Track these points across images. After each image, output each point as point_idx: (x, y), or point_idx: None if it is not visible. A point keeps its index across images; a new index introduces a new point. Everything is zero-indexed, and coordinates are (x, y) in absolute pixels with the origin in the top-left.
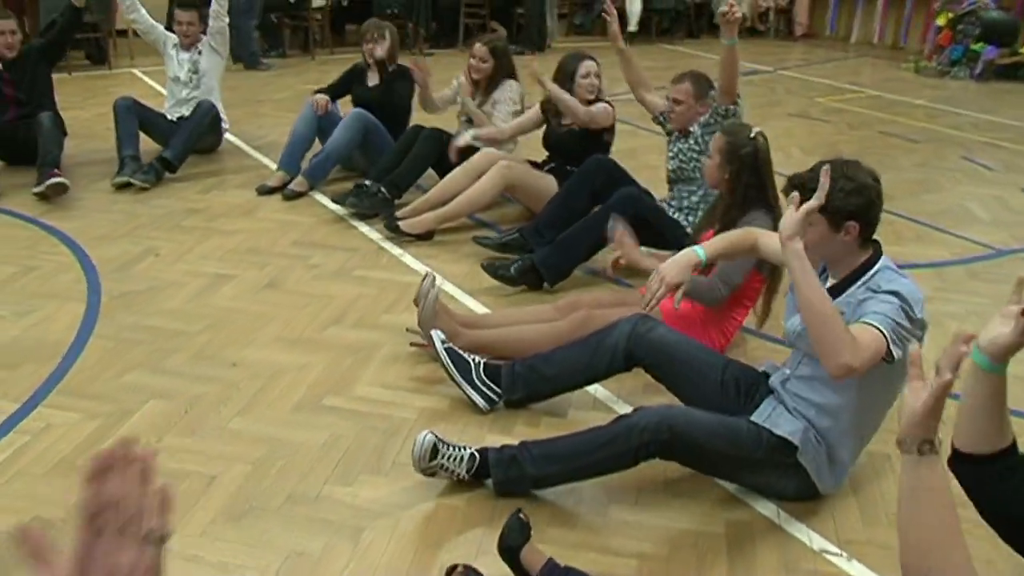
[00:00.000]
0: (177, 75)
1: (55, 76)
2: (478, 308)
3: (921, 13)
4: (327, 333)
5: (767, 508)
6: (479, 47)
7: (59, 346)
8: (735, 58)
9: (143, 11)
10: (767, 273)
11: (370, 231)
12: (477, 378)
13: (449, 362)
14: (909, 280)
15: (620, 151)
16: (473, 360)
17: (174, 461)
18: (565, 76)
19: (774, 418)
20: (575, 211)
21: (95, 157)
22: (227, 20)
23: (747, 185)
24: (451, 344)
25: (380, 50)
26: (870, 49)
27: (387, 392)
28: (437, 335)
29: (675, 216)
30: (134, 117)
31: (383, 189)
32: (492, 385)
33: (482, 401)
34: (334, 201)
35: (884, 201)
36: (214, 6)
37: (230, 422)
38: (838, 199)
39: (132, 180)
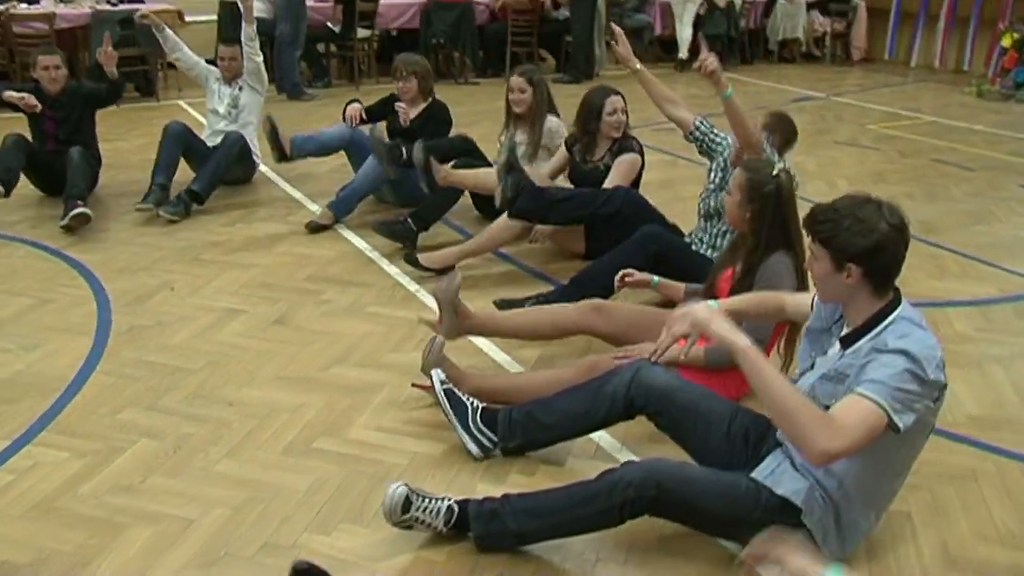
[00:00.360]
0: (216, 108)
1: (102, 109)
2: (494, 352)
3: (986, 35)
4: (330, 372)
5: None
6: (516, 79)
7: (60, 382)
8: (735, 109)
9: (186, 49)
10: None
11: (389, 267)
12: (473, 423)
13: (447, 404)
14: (926, 333)
15: (655, 181)
16: (471, 404)
17: (155, 503)
18: (591, 113)
19: (777, 475)
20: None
21: (129, 188)
22: (260, 58)
23: (770, 225)
24: (451, 386)
25: (408, 92)
26: (931, 74)
27: (382, 435)
28: (437, 375)
29: (707, 252)
30: (180, 145)
31: (408, 220)
32: (488, 432)
33: (475, 448)
34: (373, 228)
35: (924, 236)
36: (246, 48)
37: (217, 464)
38: (843, 237)
39: (161, 213)
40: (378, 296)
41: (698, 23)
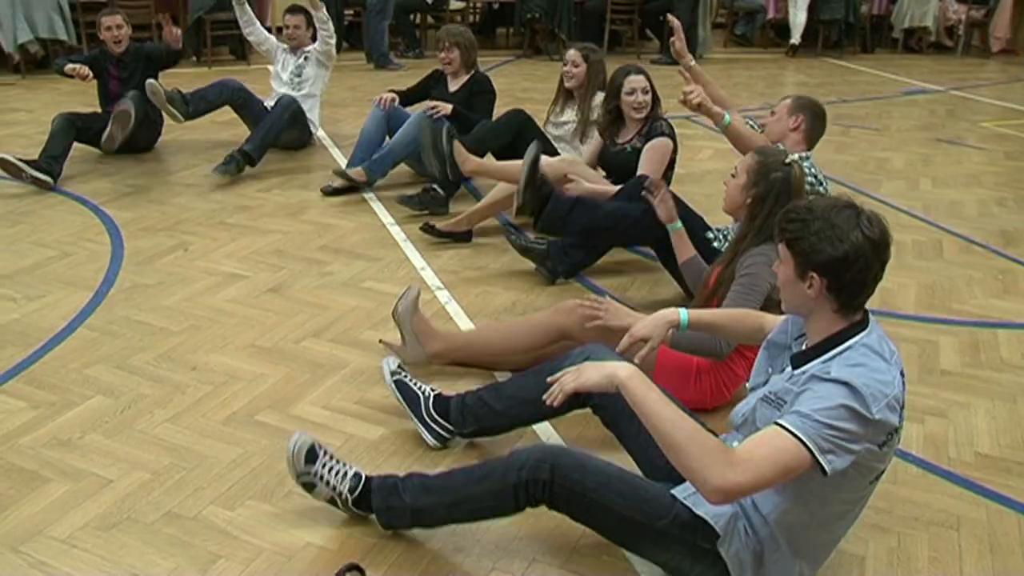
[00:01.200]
0: (280, 74)
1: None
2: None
3: None
4: (301, 345)
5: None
6: (571, 52)
7: (46, 333)
8: (738, 134)
9: (258, 25)
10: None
11: (405, 242)
12: (427, 413)
13: (398, 395)
14: (884, 365)
15: (716, 171)
16: (423, 393)
17: (84, 460)
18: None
19: (700, 496)
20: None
21: (188, 148)
22: (333, 41)
23: (769, 214)
24: (402, 376)
25: (450, 63)
26: None
27: (326, 414)
28: (387, 365)
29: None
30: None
31: (435, 187)
32: (441, 421)
33: (431, 438)
34: (398, 201)
35: (999, 248)
36: (319, 30)
37: (157, 427)
38: (809, 241)
39: (210, 172)
40: (380, 271)
41: (814, 6)
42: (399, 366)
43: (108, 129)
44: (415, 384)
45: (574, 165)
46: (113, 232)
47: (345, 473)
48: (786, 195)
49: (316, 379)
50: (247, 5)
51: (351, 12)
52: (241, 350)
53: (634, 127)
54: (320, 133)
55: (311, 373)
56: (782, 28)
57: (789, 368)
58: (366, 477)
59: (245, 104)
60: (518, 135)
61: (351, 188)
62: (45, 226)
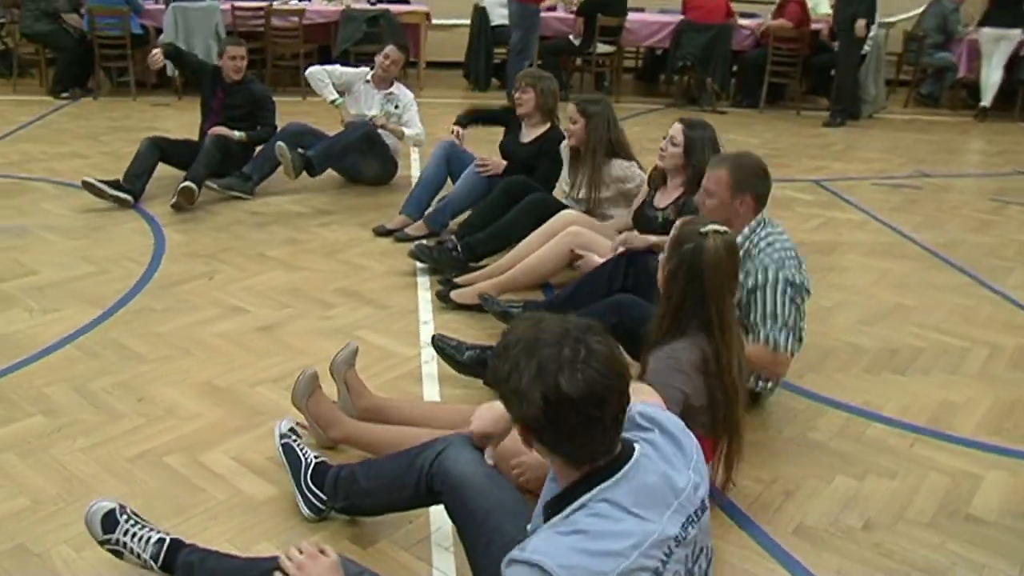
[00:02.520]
0: (364, 112)
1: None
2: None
3: None
4: (255, 389)
5: None
6: (570, 106)
7: (37, 346)
8: None
9: (331, 87)
10: (707, 428)
11: (425, 292)
12: (305, 481)
13: (283, 458)
14: (621, 528)
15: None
16: (306, 460)
17: None
18: None
19: None
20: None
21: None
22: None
23: (683, 296)
24: (289, 439)
25: (524, 104)
26: None
27: (230, 466)
28: (279, 427)
29: None
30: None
31: (459, 248)
32: (317, 491)
33: (305, 508)
34: (410, 255)
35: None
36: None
37: (69, 455)
38: (503, 390)
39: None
40: (381, 320)
41: (1013, 65)
42: (291, 429)
43: (175, 197)
44: (301, 449)
45: (578, 236)
46: (157, 254)
47: (148, 539)
48: (696, 275)
49: (245, 427)
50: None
51: (502, 51)
52: (195, 386)
53: (674, 191)
54: (414, 172)
55: (245, 420)
56: (975, 89)
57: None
58: (171, 540)
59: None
60: (540, 222)
61: (401, 229)
62: (104, 242)
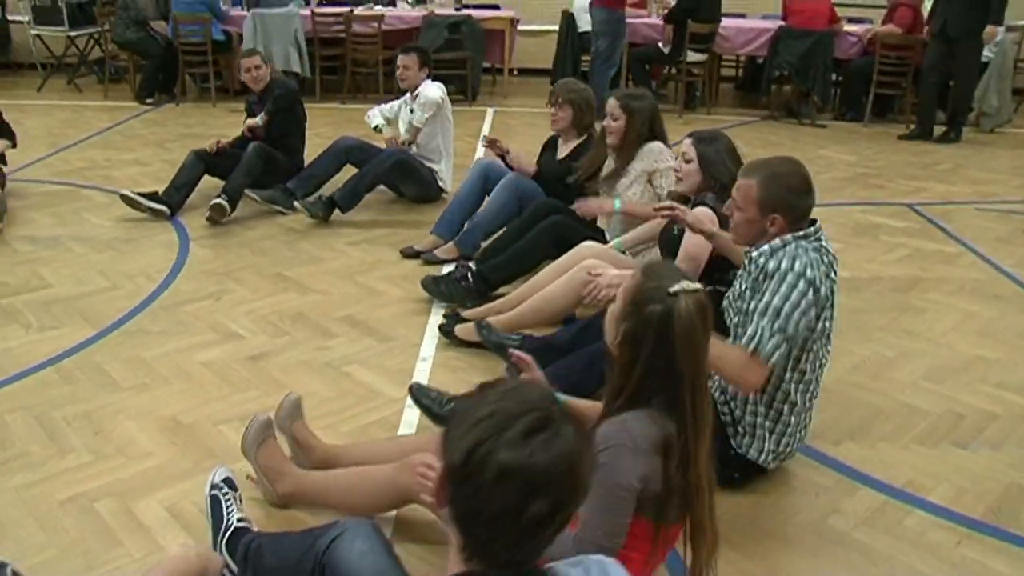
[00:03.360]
0: (399, 131)
1: None
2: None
3: None
4: (218, 428)
5: None
6: (611, 101)
7: (18, 367)
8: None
9: (380, 119)
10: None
11: (435, 326)
12: (221, 544)
13: (208, 512)
14: None
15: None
16: (228, 521)
17: None
18: None
19: None
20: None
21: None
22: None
23: (648, 366)
24: (218, 492)
25: (558, 122)
26: None
27: (160, 518)
28: (212, 476)
29: None
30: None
31: (470, 276)
32: (229, 558)
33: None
34: (422, 284)
35: None
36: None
37: (2, 493)
38: (444, 461)
39: (296, 205)
40: (378, 355)
41: None
42: (225, 479)
43: (208, 213)
44: (228, 507)
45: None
46: (175, 270)
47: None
48: (665, 345)
49: (192, 471)
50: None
51: (588, 58)
52: (158, 420)
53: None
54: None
55: (195, 463)
56: None
57: None
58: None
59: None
60: (560, 247)
61: (430, 250)
62: (129, 256)
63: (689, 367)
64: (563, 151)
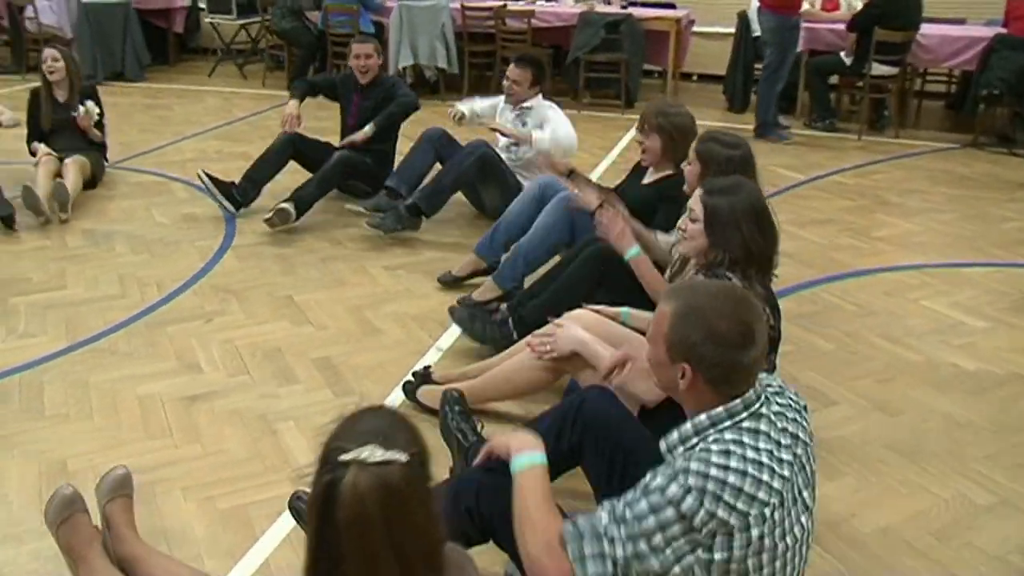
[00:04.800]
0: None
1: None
2: None
3: None
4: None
5: None
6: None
7: None
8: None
9: (466, 108)
10: None
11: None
12: None
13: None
14: None
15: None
16: None
17: None
18: None
19: None
20: None
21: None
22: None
23: (317, 545)
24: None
25: (648, 153)
26: None
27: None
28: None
29: None
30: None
31: (511, 322)
32: None
33: None
34: (452, 316)
35: None
36: None
37: None
38: None
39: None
40: (320, 413)
41: None
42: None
43: (271, 216)
44: None
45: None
46: (191, 281)
47: None
48: (329, 525)
49: (26, 535)
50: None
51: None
52: (44, 463)
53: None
54: None
55: (37, 524)
56: None
57: None
58: None
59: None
60: (599, 284)
61: (487, 272)
62: (161, 260)
63: (359, 567)
64: (651, 176)
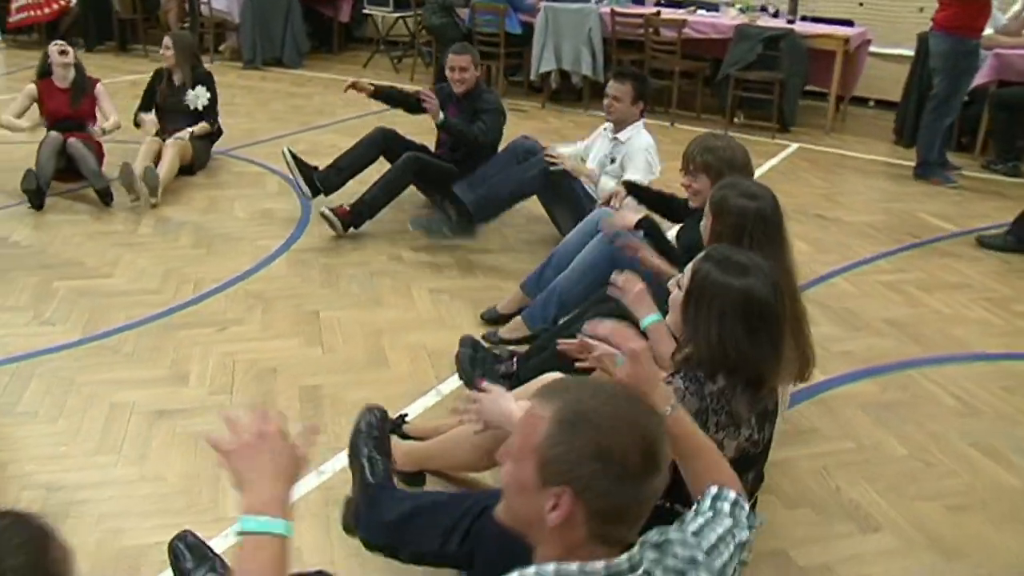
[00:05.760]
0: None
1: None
2: None
3: None
4: (21, 495)
5: None
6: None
7: None
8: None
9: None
10: None
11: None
12: None
13: None
14: None
15: None
16: None
17: None
18: None
19: None
20: None
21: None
22: None
23: None
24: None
25: (698, 196)
26: None
27: None
28: None
29: None
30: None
31: (515, 372)
32: None
33: None
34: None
35: None
36: None
37: None
38: None
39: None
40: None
41: None
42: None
43: (325, 212)
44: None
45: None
46: (229, 284)
47: None
48: None
49: None
50: None
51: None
52: None
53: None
54: None
55: None
56: None
57: None
58: None
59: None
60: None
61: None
62: (215, 257)
63: None
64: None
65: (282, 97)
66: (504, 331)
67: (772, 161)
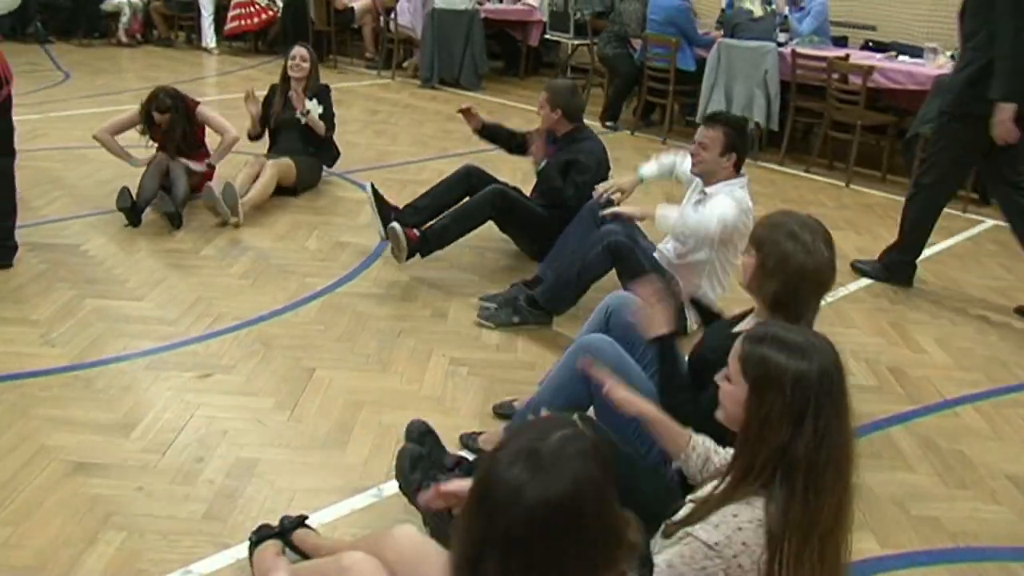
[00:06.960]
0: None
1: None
2: None
3: None
4: None
5: None
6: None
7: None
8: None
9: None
10: None
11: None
12: None
13: None
14: None
15: None
16: None
17: None
18: None
19: None
20: None
21: None
22: None
23: None
24: None
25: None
26: None
27: None
28: None
29: None
30: None
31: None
32: None
33: None
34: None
35: None
36: None
37: None
38: None
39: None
40: (169, 535)
41: None
42: None
43: (393, 247)
44: None
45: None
46: (240, 326)
47: None
48: None
49: None
50: None
51: None
52: None
53: None
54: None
55: None
56: None
57: None
58: None
59: None
60: None
61: None
62: (252, 290)
63: None
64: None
65: (440, 120)
66: (483, 440)
67: (951, 240)
